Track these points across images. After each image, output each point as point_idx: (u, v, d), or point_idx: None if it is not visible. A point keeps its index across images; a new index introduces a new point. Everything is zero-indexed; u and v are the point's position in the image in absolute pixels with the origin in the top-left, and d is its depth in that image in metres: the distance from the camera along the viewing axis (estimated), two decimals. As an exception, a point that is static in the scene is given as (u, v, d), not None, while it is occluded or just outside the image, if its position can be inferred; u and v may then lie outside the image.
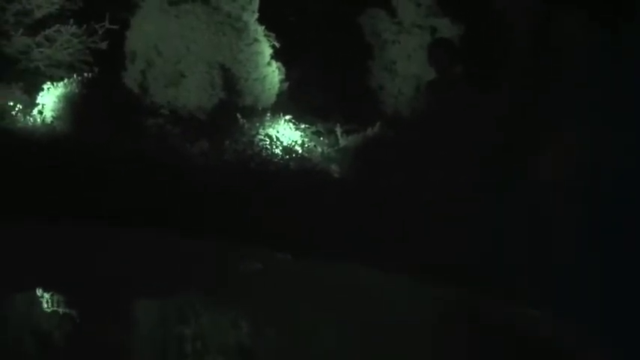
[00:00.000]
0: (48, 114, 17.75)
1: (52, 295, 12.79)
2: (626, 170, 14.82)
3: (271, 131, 17.90)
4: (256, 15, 18.60)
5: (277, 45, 19.02)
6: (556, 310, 13.34)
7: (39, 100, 18.04)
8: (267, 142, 17.66)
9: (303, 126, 18.33)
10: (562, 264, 13.88)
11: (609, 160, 15.54)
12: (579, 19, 17.38)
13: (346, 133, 18.05)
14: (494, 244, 14.37)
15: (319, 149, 17.89)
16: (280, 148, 17.62)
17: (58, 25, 18.65)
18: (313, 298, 13.67)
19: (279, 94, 18.99)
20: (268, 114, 18.31)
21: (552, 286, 13.43)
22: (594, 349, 12.09)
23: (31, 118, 17.66)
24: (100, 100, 17.91)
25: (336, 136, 18.10)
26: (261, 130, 17.89)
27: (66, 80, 18.33)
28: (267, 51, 18.83)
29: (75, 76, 18.49)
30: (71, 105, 17.80)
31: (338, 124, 18.23)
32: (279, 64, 19.02)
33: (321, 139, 18.22)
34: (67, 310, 12.45)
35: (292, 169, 17.29)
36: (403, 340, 12.18)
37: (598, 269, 13.42)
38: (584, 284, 13.17)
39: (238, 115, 17.98)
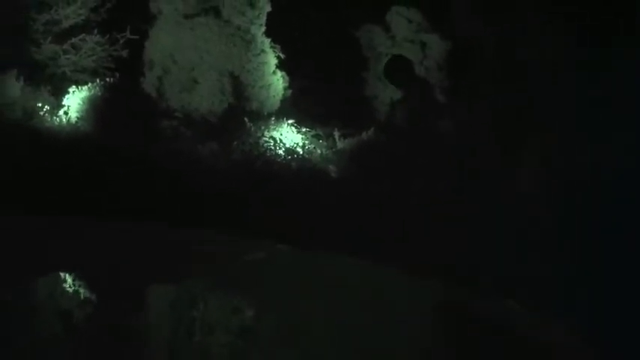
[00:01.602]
0: (73, 115, 17.79)
1: (78, 281, 12.89)
2: (600, 173, 14.65)
3: (275, 134, 17.99)
4: (263, 28, 18.65)
5: (282, 56, 19.08)
6: (529, 302, 13.01)
7: (65, 102, 18.04)
8: (272, 144, 17.72)
9: (304, 130, 18.41)
10: (539, 260, 13.68)
11: (585, 164, 15.42)
12: (562, 32, 17.22)
13: (343, 136, 18.05)
14: (474, 240, 14.16)
15: (318, 151, 17.98)
16: (283, 149, 17.69)
17: (83, 35, 18.86)
18: (309, 282, 13.69)
19: (283, 101, 19.03)
20: (273, 118, 18.39)
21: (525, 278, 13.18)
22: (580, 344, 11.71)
23: (58, 119, 17.69)
24: (120, 103, 17.92)
25: (334, 139, 18.12)
26: (266, 133, 17.95)
27: (90, 84, 18.42)
28: (273, 61, 18.89)
29: (98, 80, 18.61)
30: (94, 107, 17.82)
31: (336, 129, 18.25)
32: (283, 73, 19.06)
33: (320, 141, 18.29)
34: (97, 293, 12.45)
35: (294, 168, 17.33)
36: (382, 319, 12.16)
37: (574, 266, 13.11)
38: (561, 279, 12.93)
39: (245, 119, 18.03)
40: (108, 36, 19.10)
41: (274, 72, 18.92)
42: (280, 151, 17.69)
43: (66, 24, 18.75)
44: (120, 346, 10.09)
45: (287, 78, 19.19)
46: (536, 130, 17.13)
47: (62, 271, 13.16)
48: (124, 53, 19.23)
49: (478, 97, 17.79)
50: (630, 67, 15.50)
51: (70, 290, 12.78)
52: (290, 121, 18.45)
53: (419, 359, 10.96)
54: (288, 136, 18.13)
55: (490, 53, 17.99)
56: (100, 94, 18.18)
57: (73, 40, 18.79)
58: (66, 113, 17.87)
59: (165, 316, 12.05)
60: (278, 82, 18.97)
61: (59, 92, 18.28)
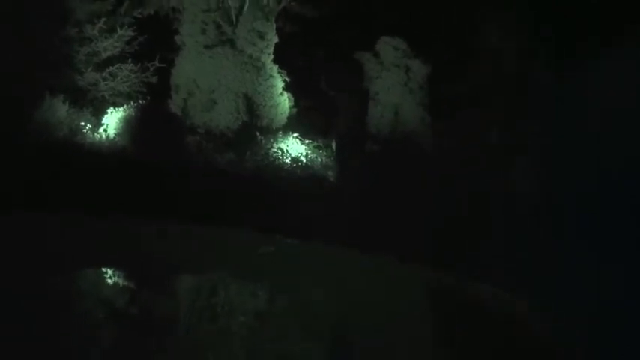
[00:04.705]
0: (111, 132, 17.83)
1: (118, 270, 12.75)
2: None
3: (282, 146, 18.24)
4: (272, 57, 18.94)
5: (287, 79, 19.31)
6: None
7: (104, 121, 18.10)
8: (279, 154, 17.96)
9: (307, 141, 18.69)
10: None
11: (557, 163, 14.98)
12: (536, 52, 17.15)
13: (340, 147, 18.17)
14: (453, 233, 13.94)
15: (319, 159, 18.18)
16: (289, 158, 17.91)
17: (119, 64, 18.98)
18: (314, 270, 13.84)
19: (289, 117, 19.25)
20: (280, 132, 18.69)
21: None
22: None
23: (98, 135, 17.67)
24: (151, 121, 17.96)
25: (332, 149, 18.31)
26: (274, 145, 18.21)
27: (125, 106, 18.50)
28: (280, 84, 19.12)
29: (132, 102, 18.71)
30: (129, 125, 17.87)
31: (334, 140, 18.44)
32: (289, 94, 19.28)
33: (321, 151, 18.50)
34: (135, 279, 12.53)
35: (298, 174, 17.50)
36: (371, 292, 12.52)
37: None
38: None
39: (257, 133, 18.34)
40: (140, 65, 19.17)
41: (281, 93, 19.13)
42: (287, 160, 17.88)
43: (104, 55, 18.85)
44: (149, 326, 9.98)
45: (292, 98, 19.37)
46: (507, 141, 17.02)
47: (112, 259, 12.95)
48: (154, 79, 19.30)
49: (455, 113, 17.67)
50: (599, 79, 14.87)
51: (114, 276, 12.70)
52: (295, 135, 18.70)
53: (411, 329, 10.94)
54: (293, 147, 18.36)
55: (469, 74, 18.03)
56: (133, 113, 18.24)
57: (111, 68, 18.86)
58: (105, 130, 17.86)
59: (189, 301, 12.03)
60: (284, 102, 19.16)
61: (99, 113, 18.29)
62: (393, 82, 18.45)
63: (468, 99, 17.77)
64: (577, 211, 12.67)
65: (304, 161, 17.96)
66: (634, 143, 13.11)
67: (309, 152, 18.32)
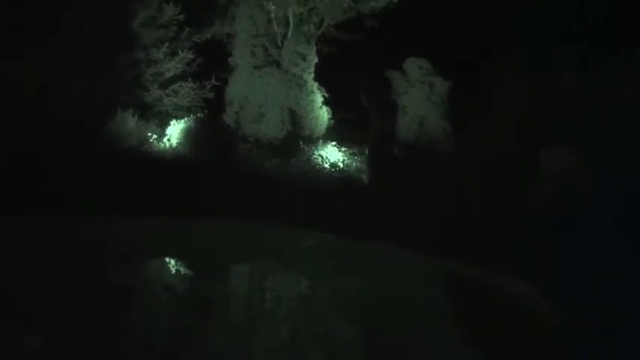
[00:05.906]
0: (174, 141, 18.66)
1: (178, 261, 13.55)
2: None
3: (322, 153, 18.82)
4: (312, 75, 19.50)
5: (326, 95, 19.82)
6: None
7: (167, 131, 18.90)
8: (320, 160, 18.55)
9: (343, 149, 19.15)
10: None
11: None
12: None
13: (372, 153, 18.62)
14: (469, 227, 13.95)
15: (354, 164, 18.63)
16: (328, 163, 18.47)
17: (180, 82, 19.62)
18: (349, 261, 14.27)
19: (328, 128, 19.76)
20: (320, 141, 19.30)
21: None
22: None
23: (163, 144, 18.55)
24: (208, 132, 18.66)
25: (366, 155, 18.77)
26: (315, 152, 18.83)
27: (186, 118, 19.24)
28: (319, 99, 19.65)
29: (192, 115, 19.41)
30: (189, 135, 18.64)
31: (366, 148, 18.97)
32: (327, 107, 19.81)
33: (355, 157, 18.90)
34: (187, 270, 13.38)
35: (336, 177, 18.00)
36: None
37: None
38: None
39: (300, 142, 18.99)
40: (198, 83, 19.77)
41: (321, 107, 19.64)
42: (326, 165, 18.42)
43: (168, 75, 19.53)
44: (201, 312, 10.66)
45: (330, 111, 19.82)
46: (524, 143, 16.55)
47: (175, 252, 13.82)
48: (211, 95, 19.88)
49: (474, 124, 17.60)
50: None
51: (174, 268, 13.60)
52: (333, 143, 19.26)
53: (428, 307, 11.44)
54: (331, 154, 18.87)
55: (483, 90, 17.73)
56: (193, 125, 18.96)
57: (173, 86, 19.51)
58: (168, 140, 18.69)
59: (240, 289, 12.91)
60: (324, 114, 19.71)
61: (163, 125, 19.06)
62: (418, 97, 18.61)
63: (487, 107, 17.57)
64: (597, 213, 12.13)
65: (341, 166, 18.46)
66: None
67: (345, 158, 18.73)
